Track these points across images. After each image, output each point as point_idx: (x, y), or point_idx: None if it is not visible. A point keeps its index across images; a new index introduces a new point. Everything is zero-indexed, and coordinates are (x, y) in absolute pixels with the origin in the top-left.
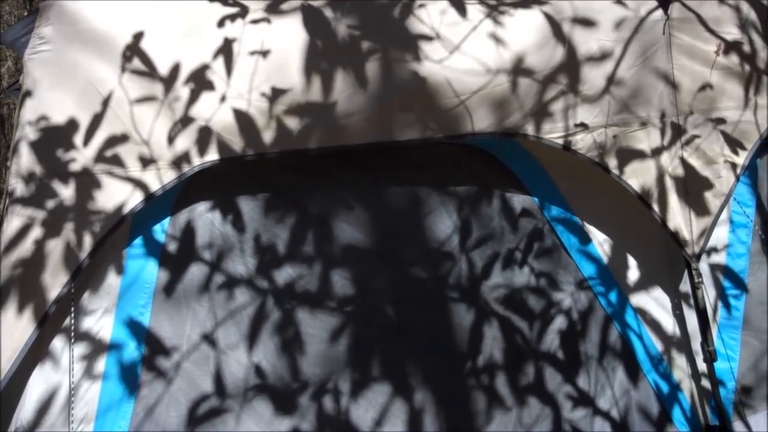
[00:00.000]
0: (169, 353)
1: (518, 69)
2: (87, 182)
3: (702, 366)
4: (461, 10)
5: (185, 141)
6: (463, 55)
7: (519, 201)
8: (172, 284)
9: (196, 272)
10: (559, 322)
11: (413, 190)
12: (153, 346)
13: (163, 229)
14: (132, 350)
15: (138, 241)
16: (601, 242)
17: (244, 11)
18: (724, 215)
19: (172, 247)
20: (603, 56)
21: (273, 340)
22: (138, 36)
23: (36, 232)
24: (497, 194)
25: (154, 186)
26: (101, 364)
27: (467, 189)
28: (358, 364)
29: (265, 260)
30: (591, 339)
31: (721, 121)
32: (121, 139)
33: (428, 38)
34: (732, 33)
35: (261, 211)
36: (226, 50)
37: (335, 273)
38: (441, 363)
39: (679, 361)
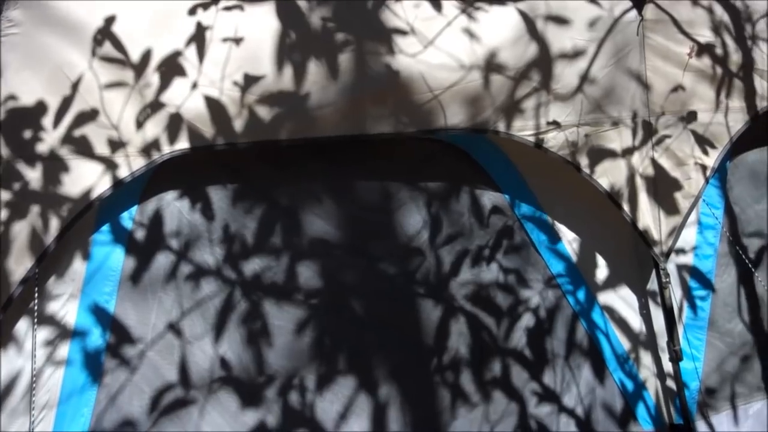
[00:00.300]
0: (133, 341)
1: (491, 65)
2: (54, 165)
3: (667, 365)
4: (436, 4)
5: (155, 127)
6: (437, 50)
7: (489, 198)
8: (139, 272)
9: (162, 261)
10: (527, 320)
11: (384, 184)
12: (118, 333)
13: (130, 216)
14: (96, 337)
15: (105, 227)
16: (570, 240)
17: None
18: (692, 217)
19: (140, 234)
20: (576, 55)
21: (239, 332)
22: (110, 20)
23: (1, 215)
24: (468, 190)
25: (123, 172)
26: (65, 350)
27: (438, 185)
28: (324, 357)
29: (233, 251)
30: (558, 336)
31: (692, 115)
32: (90, 120)
33: (402, 32)
34: (705, 35)
35: (230, 201)
36: (198, 37)
37: (303, 265)
38: (407, 358)
39: (645, 360)
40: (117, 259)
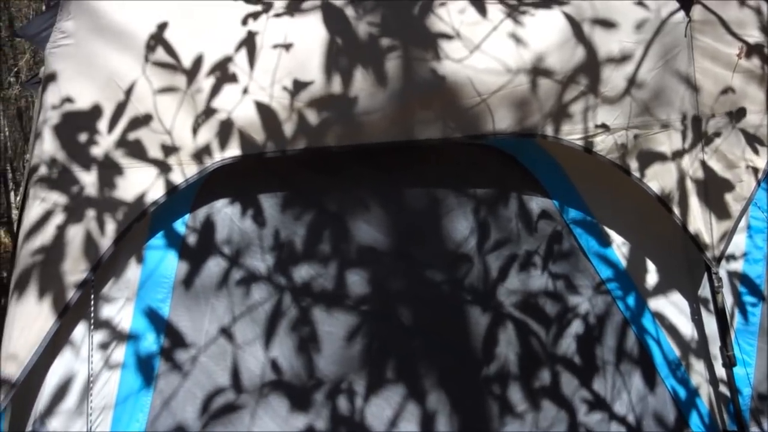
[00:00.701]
0: (187, 346)
1: (538, 69)
2: (109, 169)
3: (719, 371)
4: (481, 9)
5: (207, 134)
6: (484, 55)
7: (537, 203)
8: (192, 278)
9: (214, 267)
10: (576, 326)
11: (431, 190)
12: (172, 338)
13: (183, 222)
14: (151, 342)
15: (159, 233)
16: (620, 245)
17: (267, 7)
18: (742, 221)
19: (192, 240)
20: (623, 58)
21: (289, 338)
22: (162, 26)
23: (57, 219)
24: (515, 196)
25: (177, 178)
26: (120, 354)
27: (486, 190)
28: (374, 363)
29: (283, 257)
30: (608, 343)
31: (742, 112)
32: (144, 125)
33: (448, 37)
34: (754, 36)
35: (280, 208)
36: (249, 43)
37: (352, 272)
38: (456, 365)
39: (697, 366)
40: (170, 265)
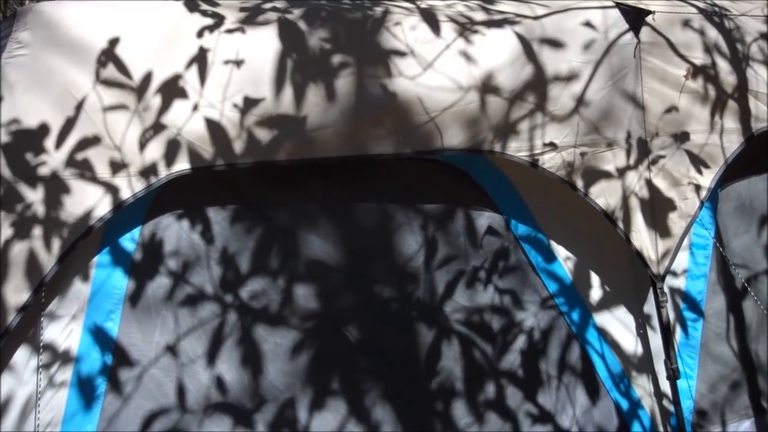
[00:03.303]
0: (134, 363)
1: (488, 87)
2: (56, 186)
3: (663, 385)
4: (435, 27)
5: (156, 149)
6: (436, 72)
7: (487, 218)
8: (140, 294)
9: (164, 283)
10: (522, 341)
11: (382, 205)
12: (119, 356)
13: (132, 238)
14: (98, 359)
15: (107, 249)
16: (567, 260)
17: (220, 21)
18: (687, 240)
19: (141, 257)
20: (572, 77)
21: (236, 354)
22: (113, 42)
23: (3, 237)
24: (465, 211)
25: (125, 194)
26: (67, 372)
27: (437, 205)
28: (320, 379)
29: (232, 272)
30: (554, 357)
31: (685, 136)
32: (93, 142)
33: (402, 54)
34: (700, 57)
35: (229, 223)
36: (200, 59)
37: (300, 287)
38: (402, 381)
39: (641, 380)
40: (119, 281)
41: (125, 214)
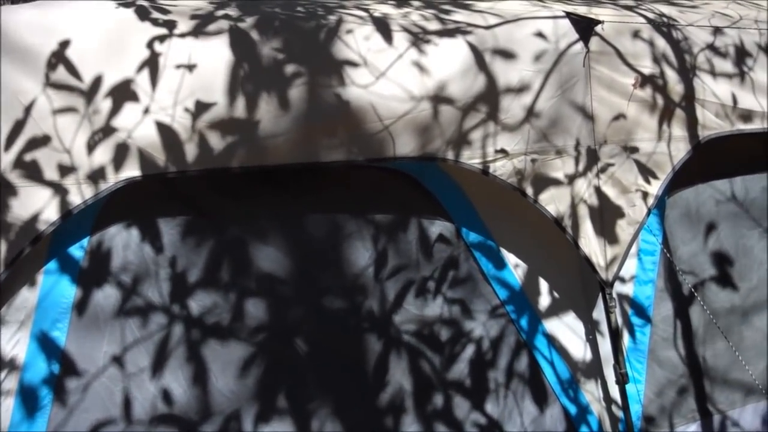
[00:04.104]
0: (81, 373)
1: (440, 97)
2: (3, 190)
3: (612, 390)
4: (388, 37)
5: (105, 152)
6: (389, 81)
7: (438, 227)
8: (88, 303)
9: (112, 293)
10: (471, 351)
11: (334, 214)
12: (66, 366)
13: (81, 246)
14: (45, 368)
15: (56, 257)
16: (517, 268)
17: (171, 26)
18: (635, 246)
19: (89, 265)
20: (522, 87)
21: (183, 366)
22: (64, 44)
23: None
24: (417, 220)
25: (74, 199)
26: (13, 381)
27: (388, 215)
28: (267, 393)
29: (181, 284)
30: (502, 366)
31: (634, 149)
32: (42, 142)
33: (355, 64)
34: (648, 67)
35: (179, 233)
36: (151, 63)
37: (250, 299)
38: (350, 394)
39: (590, 385)
40: (67, 290)
41: (74, 221)
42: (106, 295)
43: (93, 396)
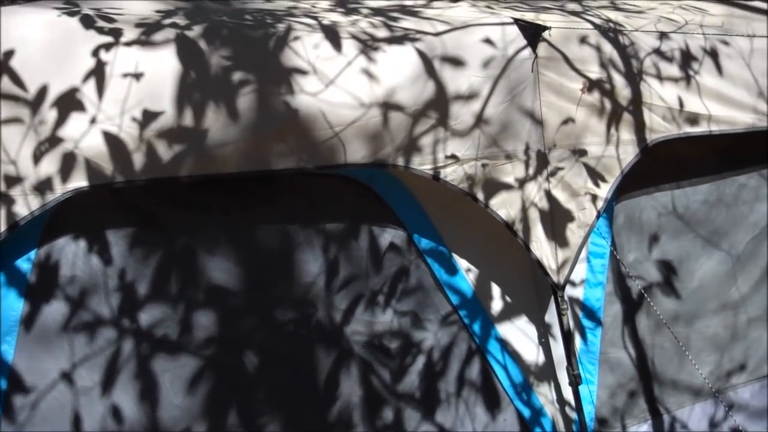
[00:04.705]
0: (30, 390)
1: (390, 103)
2: None
3: (565, 392)
4: (336, 44)
5: (52, 163)
6: (338, 89)
7: (389, 235)
8: (36, 318)
9: (60, 307)
10: (422, 360)
11: (285, 224)
12: (14, 380)
13: (29, 258)
14: None
15: (3, 270)
16: (469, 273)
17: (117, 35)
18: (585, 250)
19: (37, 279)
20: (471, 94)
21: (133, 383)
22: (8, 54)
23: None
24: (368, 228)
25: (22, 211)
26: None
27: (340, 223)
28: (217, 409)
29: (130, 298)
30: (453, 375)
31: (582, 152)
32: None
33: (304, 72)
34: (596, 72)
35: (128, 246)
36: (98, 72)
37: (199, 314)
38: (301, 407)
39: (543, 388)
40: (14, 303)
41: (21, 233)
42: (55, 310)
43: (42, 413)
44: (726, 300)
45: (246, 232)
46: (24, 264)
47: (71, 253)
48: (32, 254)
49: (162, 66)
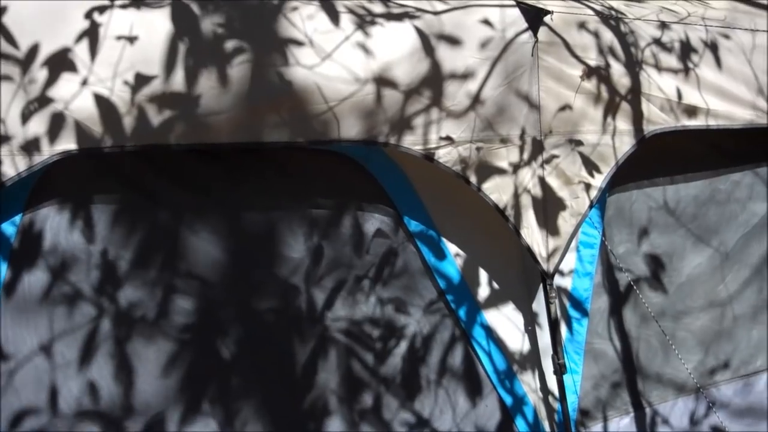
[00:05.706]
0: (8, 357)
1: (384, 79)
2: None
3: (549, 381)
4: (334, 17)
5: (40, 123)
6: (334, 63)
7: (379, 215)
8: (18, 285)
9: (41, 277)
10: (406, 345)
11: (275, 201)
12: None
13: (14, 223)
14: None
15: None
16: (458, 257)
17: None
18: (575, 239)
19: (21, 244)
20: (468, 74)
21: (109, 361)
22: (0, 11)
23: None
24: (358, 206)
25: (9, 171)
26: None
27: (331, 199)
28: (192, 393)
29: (111, 274)
30: (436, 361)
31: (578, 143)
32: None
33: (299, 43)
34: (595, 59)
35: (112, 218)
36: (91, 33)
37: (179, 295)
38: (278, 394)
39: (526, 376)
40: None
41: (7, 196)
42: (36, 279)
43: (18, 383)
44: (713, 297)
45: (234, 207)
46: (9, 228)
47: (56, 222)
48: (17, 218)
49: (156, 29)
